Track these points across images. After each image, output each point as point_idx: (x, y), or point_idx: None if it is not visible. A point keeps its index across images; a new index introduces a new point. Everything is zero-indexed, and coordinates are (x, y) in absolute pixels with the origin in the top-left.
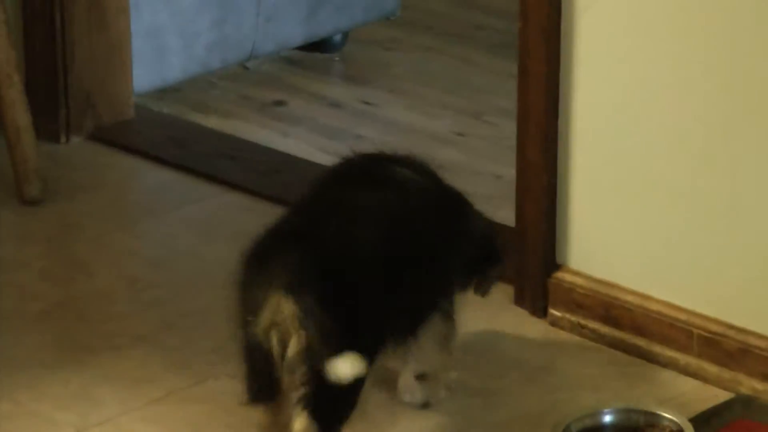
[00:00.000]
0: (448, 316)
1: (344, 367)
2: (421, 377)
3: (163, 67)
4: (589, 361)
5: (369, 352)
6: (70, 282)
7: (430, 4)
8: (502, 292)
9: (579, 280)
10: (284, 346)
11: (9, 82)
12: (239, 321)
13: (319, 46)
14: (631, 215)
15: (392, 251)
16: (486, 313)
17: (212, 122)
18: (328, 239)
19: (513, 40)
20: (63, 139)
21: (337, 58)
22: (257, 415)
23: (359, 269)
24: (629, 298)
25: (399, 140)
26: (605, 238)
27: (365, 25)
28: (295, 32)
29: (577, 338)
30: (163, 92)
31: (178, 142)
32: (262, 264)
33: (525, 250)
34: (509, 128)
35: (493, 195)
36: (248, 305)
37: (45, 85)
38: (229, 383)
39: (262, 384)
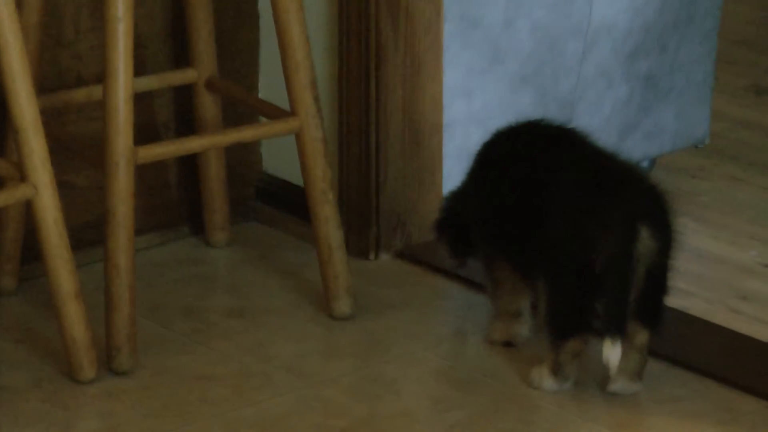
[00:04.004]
0: None
1: None
2: None
3: None
4: None
5: None
6: (375, 399)
7: (739, 134)
8: None
9: None
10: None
11: (324, 198)
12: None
13: None
14: None
15: None
16: None
17: None
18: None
19: None
20: (372, 256)
21: None
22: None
23: None
24: None
25: (704, 269)
26: None
27: (673, 153)
28: None
29: None
30: None
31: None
32: (603, 204)
33: None
34: None
35: None
36: (601, 241)
37: (357, 202)
38: None
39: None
